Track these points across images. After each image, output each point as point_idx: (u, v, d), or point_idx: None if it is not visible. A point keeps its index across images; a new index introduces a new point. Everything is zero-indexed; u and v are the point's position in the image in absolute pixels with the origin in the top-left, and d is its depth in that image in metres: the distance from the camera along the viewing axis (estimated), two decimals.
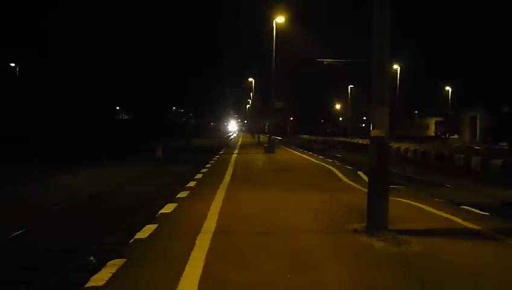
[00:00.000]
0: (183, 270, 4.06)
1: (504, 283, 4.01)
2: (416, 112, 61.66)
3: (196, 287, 3.65)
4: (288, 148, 29.89)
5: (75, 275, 5.19)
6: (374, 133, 5.52)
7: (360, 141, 37.77)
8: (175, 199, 7.95)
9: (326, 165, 16.00)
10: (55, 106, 40.11)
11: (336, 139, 51.39)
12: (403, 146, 28.49)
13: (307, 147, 32.06)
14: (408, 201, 7.98)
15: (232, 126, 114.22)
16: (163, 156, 23.34)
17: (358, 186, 9.96)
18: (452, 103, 52.68)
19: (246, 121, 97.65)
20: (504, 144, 38.99)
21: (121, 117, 71.62)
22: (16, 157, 20.55)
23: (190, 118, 65.85)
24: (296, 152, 25.40)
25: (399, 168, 16.65)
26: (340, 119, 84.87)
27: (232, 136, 71.19)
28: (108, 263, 4.27)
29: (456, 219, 6.43)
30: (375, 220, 5.44)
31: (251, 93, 61.49)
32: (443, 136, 50.91)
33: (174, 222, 6.16)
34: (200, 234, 5.38)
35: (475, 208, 7.65)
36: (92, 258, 5.78)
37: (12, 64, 39.30)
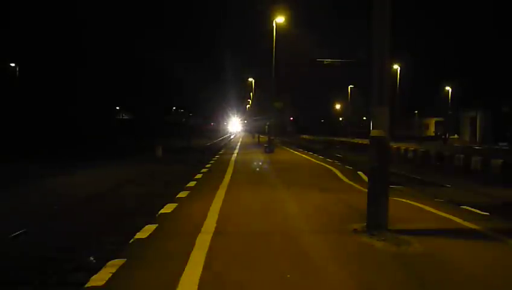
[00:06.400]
0: (183, 270, 4.06)
1: (504, 282, 4.01)
2: (416, 112, 61.72)
3: (196, 287, 3.65)
4: (288, 148, 29.89)
5: (75, 275, 5.19)
6: (374, 133, 5.52)
7: (360, 141, 37.77)
8: (175, 199, 7.95)
9: (327, 165, 16.00)
10: (53, 107, 40.09)
11: (336, 139, 51.39)
12: (403, 146, 28.47)
13: (307, 147, 32.06)
14: (408, 201, 7.97)
15: (233, 126, 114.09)
16: (163, 156, 23.35)
17: (358, 186, 9.96)
18: (452, 103, 52.73)
19: (245, 121, 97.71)
20: (504, 144, 39.01)
21: (121, 117, 71.63)
22: (15, 157, 20.55)
23: (190, 118, 65.91)
24: (296, 152, 25.40)
25: (399, 168, 16.65)
26: (340, 119, 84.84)
27: (232, 137, 71.20)
28: (108, 263, 4.27)
29: (456, 219, 6.43)
30: (375, 220, 5.44)
31: (251, 94, 61.53)
32: (443, 136, 50.88)
33: (174, 222, 6.16)
34: (200, 234, 5.38)
35: (475, 208, 7.64)
36: (92, 258, 5.79)
37: (13, 64, 39.28)
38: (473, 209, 7.55)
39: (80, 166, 17.95)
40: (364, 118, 65.77)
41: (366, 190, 5.77)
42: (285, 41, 28.00)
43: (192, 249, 4.71)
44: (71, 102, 43.10)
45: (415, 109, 62.57)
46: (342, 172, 13.44)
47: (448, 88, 52.63)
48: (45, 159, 20.41)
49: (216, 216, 6.44)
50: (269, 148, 23.85)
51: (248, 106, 76.95)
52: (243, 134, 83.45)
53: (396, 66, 43.25)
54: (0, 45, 36.63)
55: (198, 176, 12.12)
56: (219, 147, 33.55)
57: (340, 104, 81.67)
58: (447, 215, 6.68)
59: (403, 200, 8.03)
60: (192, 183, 10.28)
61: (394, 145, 26.98)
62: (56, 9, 43.72)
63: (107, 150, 27.87)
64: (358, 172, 13.17)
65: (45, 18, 42.10)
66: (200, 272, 3.99)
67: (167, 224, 6.00)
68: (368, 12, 5.57)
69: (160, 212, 6.82)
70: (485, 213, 7.23)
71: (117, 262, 4.29)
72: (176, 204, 7.40)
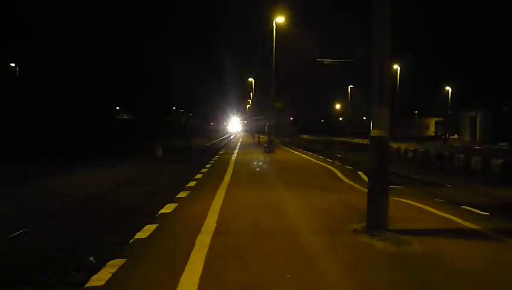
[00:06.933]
0: (183, 270, 4.06)
1: (504, 283, 4.01)
2: (416, 112, 61.72)
3: (196, 287, 3.65)
4: (288, 148, 29.89)
5: (75, 275, 5.20)
6: (374, 133, 5.52)
7: (360, 141, 37.78)
8: (175, 199, 7.95)
9: (327, 165, 16.00)
10: (54, 107, 40.08)
11: (336, 139, 51.39)
12: (402, 146, 28.47)
13: (307, 147, 32.06)
14: (408, 201, 7.98)
15: (233, 126, 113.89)
16: (163, 156, 23.35)
17: (358, 186, 9.96)
18: (452, 103, 52.73)
19: (245, 121, 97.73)
20: (504, 144, 39.03)
21: (120, 117, 71.66)
22: (15, 157, 20.55)
23: (190, 118, 65.93)
24: (296, 152, 25.40)
25: (399, 168, 16.64)
26: (340, 119, 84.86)
27: (232, 137, 71.22)
28: (108, 263, 4.27)
29: (456, 219, 6.43)
30: (375, 220, 5.44)
31: (251, 94, 61.54)
32: (443, 136, 50.89)
33: (174, 222, 6.16)
34: (200, 234, 5.38)
35: (475, 208, 7.64)
36: (92, 258, 5.79)
37: (13, 64, 39.24)
38: (473, 209, 7.55)
39: (80, 166, 17.96)
40: (364, 118, 65.79)
41: (366, 190, 5.77)
42: (286, 41, 28.01)
43: (192, 249, 4.71)
44: (72, 102, 43.10)
45: (415, 109, 62.59)
46: (342, 172, 13.45)
47: (448, 88, 52.63)
48: (45, 159, 20.42)
49: (216, 216, 6.44)
50: (269, 148, 23.85)
51: (248, 106, 76.97)
52: (243, 134, 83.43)
53: (396, 66, 43.23)
54: (1, 44, 36.65)
55: (198, 176, 12.12)
56: (219, 147, 33.56)
57: (340, 104, 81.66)
58: (447, 215, 6.68)
59: (403, 200, 8.03)
60: (192, 183, 10.28)
61: (394, 145, 27.00)
62: (56, 10, 43.78)
63: (107, 150, 27.87)
64: (358, 172, 13.17)
65: (45, 17, 42.14)
66: (200, 272, 4.00)
67: (167, 224, 6.00)
68: (368, 12, 5.57)
69: (160, 212, 6.82)
70: (485, 213, 7.23)
71: (117, 262, 4.29)
72: (176, 204, 7.40)
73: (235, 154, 22.45)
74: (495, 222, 6.45)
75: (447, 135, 50.11)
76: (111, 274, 3.97)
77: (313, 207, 7.40)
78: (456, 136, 55.44)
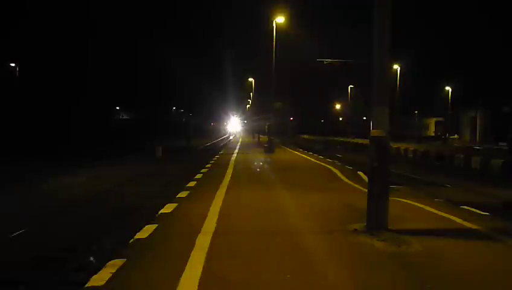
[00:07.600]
0: (183, 270, 4.06)
1: (504, 283, 4.01)
2: (416, 112, 61.70)
3: (196, 287, 3.65)
4: (288, 149, 29.89)
5: (75, 275, 5.19)
6: (374, 133, 5.52)
7: (360, 141, 37.79)
8: (175, 199, 7.95)
9: (327, 165, 16.00)
10: (54, 106, 40.07)
11: (336, 139, 51.45)
12: (402, 146, 28.49)
13: (307, 147, 32.06)
14: (408, 201, 7.98)
15: (233, 126, 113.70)
16: (163, 156, 23.36)
17: (358, 187, 9.96)
18: (452, 102, 52.72)
19: (245, 121, 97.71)
20: (504, 144, 39.06)
21: (120, 117, 71.68)
22: (14, 158, 20.55)
23: (190, 118, 65.92)
24: (296, 152, 25.40)
25: (399, 168, 16.64)
26: (340, 119, 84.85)
27: (231, 137, 71.23)
28: (108, 263, 4.27)
29: (456, 219, 6.43)
30: (375, 220, 5.44)
31: (251, 94, 61.55)
32: (443, 136, 50.92)
33: (174, 222, 6.16)
34: (200, 234, 5.38)
35: (475, 208, 7.64)
36: (92, 258, 5.78)
37: (13, 64, 39.20)
38: (473, 209, 7.55)
39: (80, 166, 17.96)
40: (364, 118, 65.76)
41: (366, 190, 5.77)
42: (286, 41, 28.03)
43: (192, 249, 4.71)
44: (71, 102, 43.09)
45: (415, 109, 62.53)
46: (341, 172, 13.45)
47: (448, 88, 52.62)
48: (45, 160, 20.41)
49: (216, 216, 6.45)
50: (269, 149, 23.85)
51: (248, 106, 76.99)
52: (242, 134, 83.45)
53: (396, 66, 43.22)
54: (0, 44, 36.59)
55: (198, 176, 12.12)
56: (219, 147, 33.58)
57: (340, 104, 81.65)
58: (447, 215, 6.69)
59: (403, 200, 8.03)
60: (192, 183, 10.28)
61: (394, 145, 27.00)
62: (56, 9, 43.75)
63: (107, 150, 27.87)
64: (358, 172, 13.16)
65: (45, 17, 42.09)
66: (200, 272, 4.00)
67: (167, 224, 6.00)
68: (369, 12, 5.58)
69: (160, 212, 6.82)
70: (485, 213, 7.23)
71: (117, 262, 4.29)
72: (176, 204, 7.40)
73: (235, 154, 22.45)
74: (495, 222, 6.45)
75: (447, 135, 50.13)
76: (111, 274, 3.97)
77: (312, 207, 7.40)
78: (456, 136, 55.46)
